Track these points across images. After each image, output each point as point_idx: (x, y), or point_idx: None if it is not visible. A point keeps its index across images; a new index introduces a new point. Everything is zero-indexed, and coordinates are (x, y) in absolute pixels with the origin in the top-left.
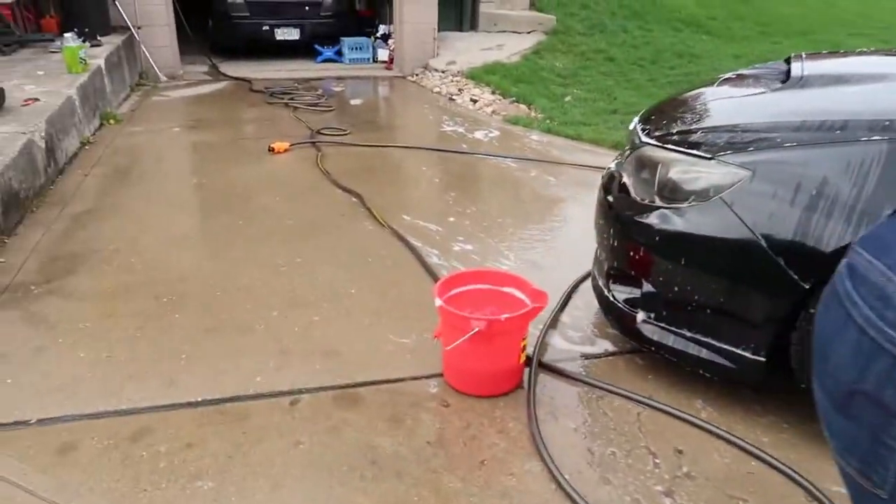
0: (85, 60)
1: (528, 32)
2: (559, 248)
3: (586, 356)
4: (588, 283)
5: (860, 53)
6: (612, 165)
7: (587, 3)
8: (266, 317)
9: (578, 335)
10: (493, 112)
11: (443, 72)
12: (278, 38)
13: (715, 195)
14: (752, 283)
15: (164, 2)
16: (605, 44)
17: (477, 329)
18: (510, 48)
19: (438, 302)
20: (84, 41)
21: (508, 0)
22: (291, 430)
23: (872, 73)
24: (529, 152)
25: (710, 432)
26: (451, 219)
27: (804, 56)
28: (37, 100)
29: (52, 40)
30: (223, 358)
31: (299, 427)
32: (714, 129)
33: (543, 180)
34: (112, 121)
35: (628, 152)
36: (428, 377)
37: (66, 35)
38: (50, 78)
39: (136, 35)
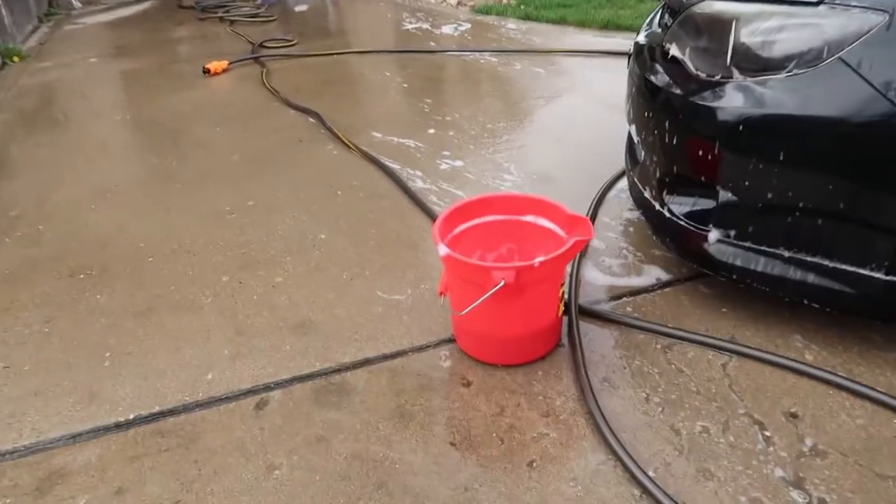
0: None
1: None
2: (568, 153)
3: (635, 291)
4: (613, 194)
5: None
6: (642, 38)
7: None
8: (214, 285)
9: (618, 263)
10: (459, 3)
11: None
12: None
13: (830, 56)
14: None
15: None
16: None
17: (503, 283)
18: None
19: (443, 250)
20: None
21: None
22: (261, 447)
23: None
24: (509, 43)
25: (827, 382)
26: (431, 130)
27: None
28: None
29: None
30: (160, 351)
31: (271, 442)
32: None
33: (532, 73)
34: (16, 58)
35: (667, 15)
36: (436, 345)
37: None
38: None
39: None
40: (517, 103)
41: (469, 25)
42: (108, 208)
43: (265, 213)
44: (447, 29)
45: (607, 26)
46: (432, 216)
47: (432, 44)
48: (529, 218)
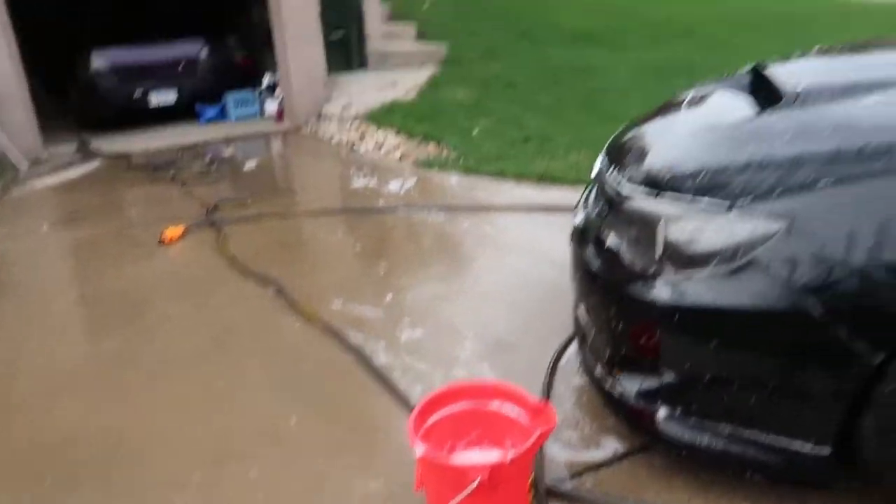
0: None
1: (421, 65)
2: (520, 317)
3: (596, 466)
4: (564, 361)
5: (832, 52)
6: (578, 219)
7: (474, 29)
8: (187, 483)
9: (576, 436)
10: (402, 156)
11: (340, 118)
12: (153, 103)
13: (743, 256)
14: (808, 360)
15: (13, 72)
16: (502, 68)
17: (479, 480)
18: (405, 84)
19: (419, 450)
20: None
21: (395, 36)
22: None
23: (882, 78)
24: (454, 199)
25: None
26: (389, 296)
27: (776, 65)
28: None
29: None
30: None
31: None
32: (721, 170)
33: (480, 232)
34: None
35: (602, 203)
36: None
37: None
38: None
39: None
40: (468, 265)
41: (414, 180)
42: (71, 397)
43: (235, 397)
44: (394, 185)
45: (542, 178)
46: (398, 394)
47: (381, 201)
48: (495, 404)
